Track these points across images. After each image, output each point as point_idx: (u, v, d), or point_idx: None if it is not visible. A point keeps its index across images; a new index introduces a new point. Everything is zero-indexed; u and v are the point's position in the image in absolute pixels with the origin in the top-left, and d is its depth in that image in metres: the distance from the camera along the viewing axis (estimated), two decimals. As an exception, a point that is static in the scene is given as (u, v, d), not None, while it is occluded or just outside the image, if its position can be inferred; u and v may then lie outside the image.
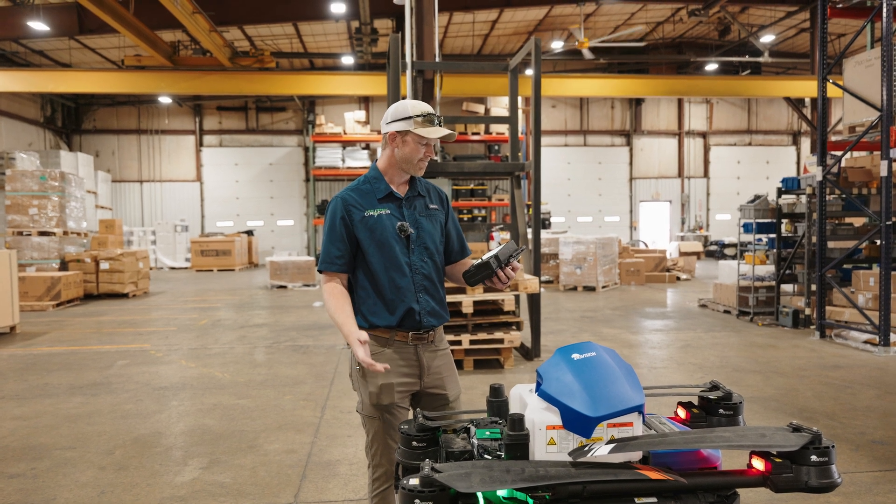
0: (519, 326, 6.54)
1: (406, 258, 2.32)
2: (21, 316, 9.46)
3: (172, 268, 21.09)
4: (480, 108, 20.82)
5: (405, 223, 2.33)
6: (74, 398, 5.40)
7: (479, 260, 2.26)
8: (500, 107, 20.17)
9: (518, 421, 1.57)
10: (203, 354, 7.21)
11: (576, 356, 1.72)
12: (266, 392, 5.54)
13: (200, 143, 23.95)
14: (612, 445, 1.51)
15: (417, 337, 2.33)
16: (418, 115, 2.27)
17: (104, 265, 12.73)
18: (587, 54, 17.12)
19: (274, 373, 6.27)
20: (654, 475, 1.47)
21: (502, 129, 20.39)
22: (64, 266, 12.65)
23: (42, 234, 12.54)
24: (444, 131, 2.29)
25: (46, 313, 10.74)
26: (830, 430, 4.38)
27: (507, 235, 12.90)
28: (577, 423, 1.56)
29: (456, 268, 2.50)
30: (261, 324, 9.43)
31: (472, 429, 1.74)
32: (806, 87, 19.11)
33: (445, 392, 2.40)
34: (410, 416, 2.37)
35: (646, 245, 21.41)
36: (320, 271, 2.36)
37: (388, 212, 2.33)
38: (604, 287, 13.81)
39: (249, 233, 22.85)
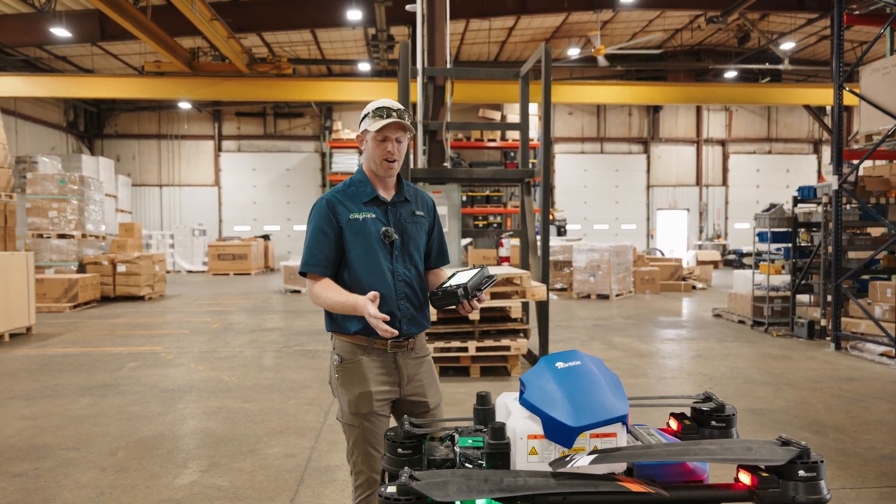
0: (526, 334, 6.50)
1: (389, 264, 2.30)
2: (38, 317, 9.59)
3: (190, 271, 21.30)
4: (497, 115, 20.82)
5: (390, 229, 2.30)
6: (83, 399, 5.46)
7: (448, 285, 2.22)
8: (516, 113, 20.13)
9: (499, 430, 1.55)
10: (212, 358, 7.25)
11: (560, 365, 1.70)
12: (271, 396, 5.56)
13: (219, 149, 24.22)
14: (593, 456, 1.48)
15: (396, 344, 2.30)
16: (370, 113, 2.25)
17: (121, 268, 12.88)
18: (602, 62, 17.01)
19: (281, 377, 6.29)
20: (635, 487, 1.45)
21: (519, 136, 20.36)
22: (82, 268, 12.82)
23: (61, 236, 12.73)
24: (389, 119, 2.21)
25: (63, 315, 10.88)
26: (840, 444, 4.29)
27: (516, 242, 12.86)
28: (558, 432, 1.53)
29: (429, 275, 2.47)
30: (272, 328, 9.47)
31: (457, 437, 1.72)
32: (826, 95, 18.89)
33: (426, 399, 2.38)
34: (392, 423, 2.36)
35: (662, 253, 21.22)
36: (303, 273, 2.30)
37: (374, 216, 2.29)
38: (618, 295, 13.70)
39: (266, 237, 23.01)
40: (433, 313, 5.76)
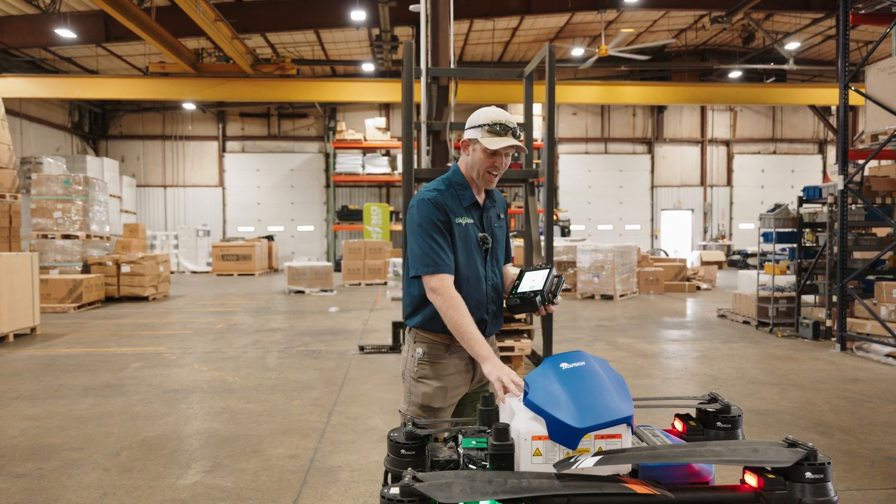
0: (530, 334, 6.48)
1: (483, 270, 2.32)
2: (42, 318, 9.60)
3: (194, 272, 21.33)
4: (500, 116, 20.79)
5: (487, 235, 2.32)
6: (87, 399, 5.46)
7: (524, 291, 2.24)
8: (520, 114, 20.11)
9: (503, 431, 1.54)
10: (216, 358, 7.25)
11: (564, 365, 1.69)
12: (275, 396, 5.55)
13: (223, 149, 24.25)
14: (598, 458, 1.47)
15: None
16: (485, 124, 2.21)
17: (125, 268, 12.90)
18: (618, 55, 16.92)
19: (284, 377, 6.29)
20: (640, 489, 1.43)
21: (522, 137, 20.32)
22: (86, 269, 12.85)
23: (65, 237, 12.75)
24: (506, 142, 2.19)
25: (67, 315, 10.90)
26: (846, 446, 4.26)
27: (520, 243, 12.84)
28: (562, 433, 1.52)
29: None
30: (276, 328, 9.47)
31: (460, 438, 1.71)
32: (830, 95, 18.83)
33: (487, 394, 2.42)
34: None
35: (666, 254, 21.19)
36: (428, 274, 2.18)
37: (472, 221, 2.30)
38: (622, 296, 13.67)
39: (270, 238, 23.04)
40: None
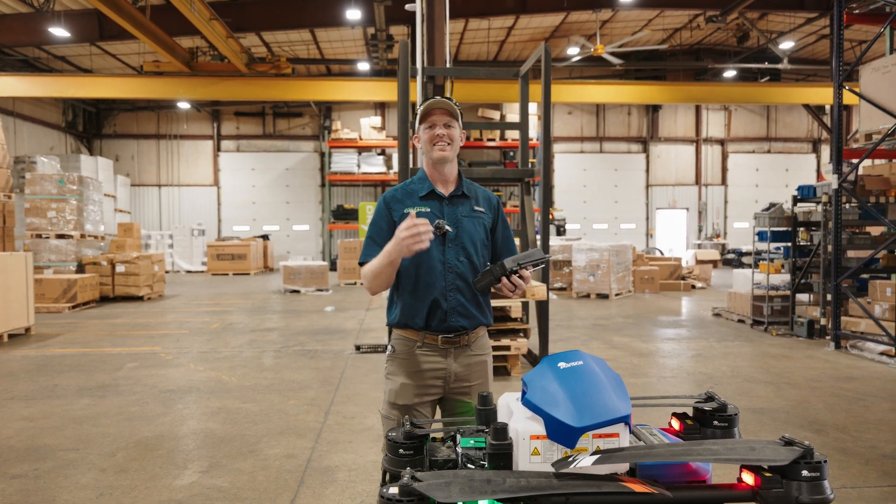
0: (526, 333, 6.50)
1: (440, 255, 2.31)
2: (37, 318, 9.57)
3: (189, 271, 21.28)
4: (496, 115, 20.82)
5: (442, 220, 2.32)
6: (82, 400, 5.45)
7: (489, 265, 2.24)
8: (515, 113, 20.16)
9: (501, 430, 1.54)
10: (212, 358, 7.24)
11: (562, 365, 1.69)
12: (271, 396, 5.55)
13: (218, 148, 24.19)
14: (596, 457, 1.47)
15: (448, 340, 2.30)
16: (420, 109, 2.35)
17: (120, 268, 12.86)
18: (610, 59, 16.97)
19: (280, 377, 6.28)
20: (638, 488, 1.44)
21: (518, 136, 20.37)
22: (81, 269, 12.80)
23: (60, 236, 12.71)
24: (434, 105, 2.30)
25: (62, 315, 10.86)
26: (840, 444, 4.29)
27: (516, 242, 12.83)
28: (560, 433, 1.52)
29: None
30: (271, 328, 9.46)
31: (459, 437, 1.71)
32: (825, 95, 18.92)
33: (469, 401, 2.35)
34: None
35: (661, 253, 21.23)
36: (361, 263, 2.40)
37: (428, 210, 2.34)
38: (617, 295, 13.70)
39: (265, 237, 23.00)
40: None
